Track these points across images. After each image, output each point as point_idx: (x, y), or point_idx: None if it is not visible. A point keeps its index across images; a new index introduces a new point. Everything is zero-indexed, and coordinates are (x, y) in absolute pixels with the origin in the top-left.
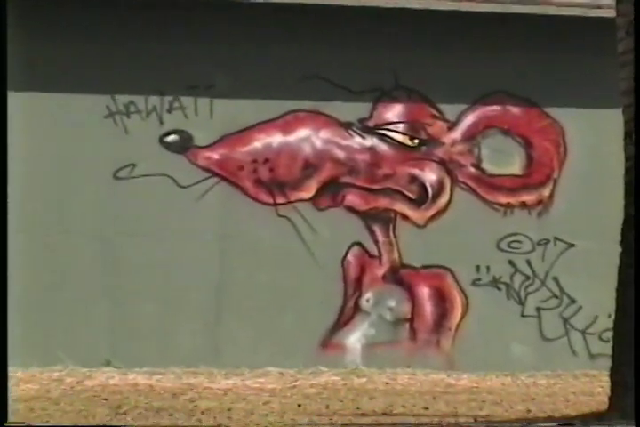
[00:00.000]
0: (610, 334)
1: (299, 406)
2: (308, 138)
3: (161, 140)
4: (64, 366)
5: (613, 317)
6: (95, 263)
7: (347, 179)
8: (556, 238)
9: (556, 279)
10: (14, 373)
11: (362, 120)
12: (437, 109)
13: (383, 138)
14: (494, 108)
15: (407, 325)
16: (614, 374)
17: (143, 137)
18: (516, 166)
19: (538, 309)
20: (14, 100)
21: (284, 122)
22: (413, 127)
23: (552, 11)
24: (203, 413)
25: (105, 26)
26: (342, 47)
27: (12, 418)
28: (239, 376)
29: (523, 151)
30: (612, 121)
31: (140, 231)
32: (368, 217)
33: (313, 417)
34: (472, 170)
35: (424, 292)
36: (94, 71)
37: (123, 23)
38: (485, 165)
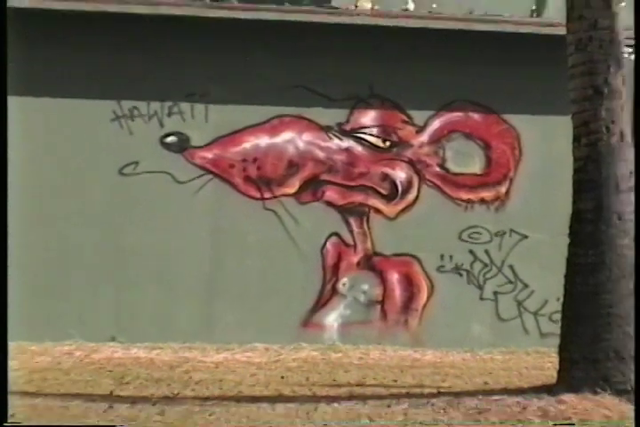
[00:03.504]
0: (558, 316)
1: (282, 377)
2: (292, 140)
3: (161, 141)
4: (74, 341)
5: (562, 300)
6: (102, 250)
7: (326, 176)
8: (511, 230)
9: (511, 267)
10: (29, 346)
11: (340, 124)
12: (407, 115)
13: (358, 140)
14: (457, 115)
15: (379, 306)
16: (562, 351)
17: (145, 138)
18: (476, 166)
19: (495, 293)
20: (35, 105)
21: (271, 126)
22: (385, 131)
23: (509, 28)
24: (196, 383)
25: (112, 39)
26: (323, 60)
27: (27, 387)
28: (229, 351)
29: (482, 153)
30: (562, 127)
31: (142, 222)
32: (345, 211)
33: (294, 388)
34: (437, 169)
35: (394, 277)
36: (102, 79)
37: (128, 37)
38: (449, 165)
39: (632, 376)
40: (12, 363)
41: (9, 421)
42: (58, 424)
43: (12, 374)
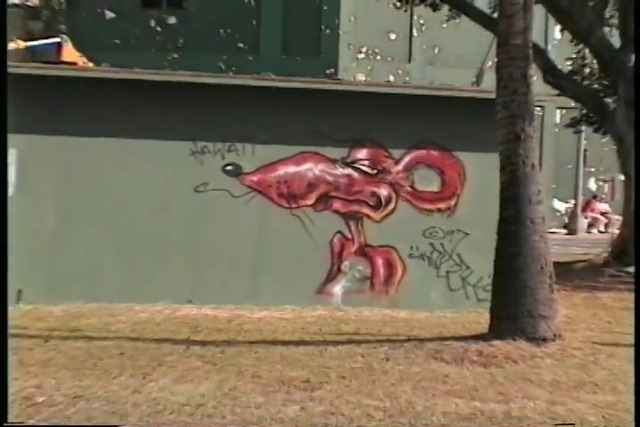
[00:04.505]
0: (489, 288)
1: (303, 328)
2: (311, 168)
3: (223, 169)
4: (164, 303)
5: (492, 277)
6: (184, 243)
7: (334, 193)
8: (458, 230)
9: (458, 255)
10: (134, 306)
11: (343, 158)
12: (388, 152)
13: (355, 169)
14: (422, 152)
15: (369, 280)
16: (492, 311)
17: (212, 167)
18: (434, 186)
19: (447, 272)
20: (140, 146)
21: (296, 159)
22: (374, 163)
23: (457, 94)
24: (245, 332)
25: (190, 103)
26: (332, 114)
27: (131, 334)
28: (268, 310)
29: (439, 178)
30: (493, 160)
31: (210, 224)
32: (346, 216)
33: (312, 335)
34: (408, 189)
35: (379, 261)
36: (184, 128)
37: (202, 100)
38: (416, 186)
39: (539, 329)
40: (121, 318)
41: (9, 421)
42: (58, 424)
43: (119, 326)
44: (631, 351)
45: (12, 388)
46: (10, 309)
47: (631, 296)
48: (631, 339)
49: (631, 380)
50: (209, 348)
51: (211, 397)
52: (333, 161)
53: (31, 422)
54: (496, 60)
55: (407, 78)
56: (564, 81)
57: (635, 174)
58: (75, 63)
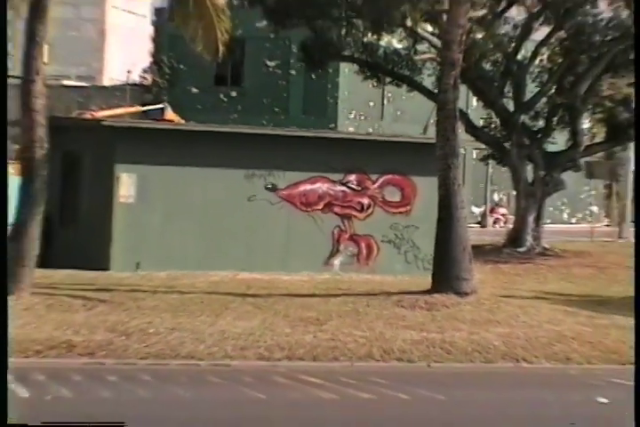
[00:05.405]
0: (432, 261)
1: (315, 286)
2: (320, 186)
3: (265, 187)
4: (228, 271)
5: (433, 254)
6: (241, 233)
7: (334, 202)
8: (412, 225)
9: (412, 240)
10: (209, 272)
11: (340, 180)
12: (369, 177)
13: (348, 187)
14: (390, 176)
15: (356, 257)
16: (433, 276)
17: (258, 185)
18: (397, 198)
19: (405, 251)
20: (215, 173)
21: (311, 181)
22: (360, 183)
23: (412, 140)
24: (279, 288)
25: (245, 145)
26: (334, 154)
27: (207, 290)
28: (292, 276)
29: (400, 193)
30: (434, 182)
31: (257, 221)
32: (342, 216)
33: (320, 291)
34: (381, 199)
35: (363, 244)
36: (241, 161)
37: (253, 144)
38: (386, 198)
39: (463, 287)
40: (201, 279)
41: (9, 422)
42: (58, 424)
43: (200, 285)
44: (522, 302)
45: (132, 323)
46: (124, 275)
47: (522, 266)
48: (523, 293)
49: (524, 318)
50: (256, 298)
51: (257, 329)
52: (334, 182)
53: (31, 422)
54: (436, 118)
55: (380, 131)
56: (479, 132)
57: (635, 178)
58: (173, 121)
